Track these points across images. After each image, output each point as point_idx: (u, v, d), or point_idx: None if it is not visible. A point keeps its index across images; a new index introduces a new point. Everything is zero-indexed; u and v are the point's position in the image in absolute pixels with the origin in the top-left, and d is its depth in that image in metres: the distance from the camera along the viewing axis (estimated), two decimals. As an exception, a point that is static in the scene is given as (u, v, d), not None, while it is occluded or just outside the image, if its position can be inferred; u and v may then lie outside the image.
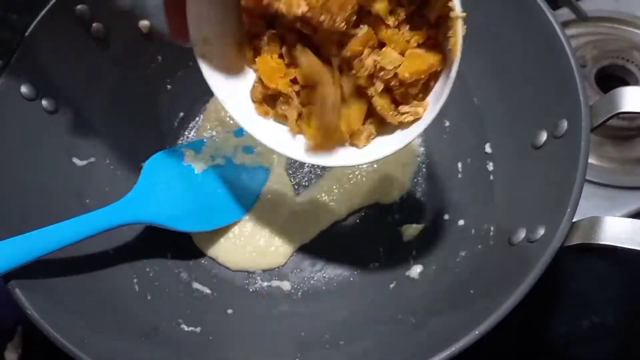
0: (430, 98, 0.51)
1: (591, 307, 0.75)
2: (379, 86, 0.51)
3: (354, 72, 0.51)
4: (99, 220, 0.62)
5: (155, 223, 0.67)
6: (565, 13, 0.93)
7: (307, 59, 0.52)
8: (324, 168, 0.79)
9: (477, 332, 0.50)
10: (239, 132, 0.77)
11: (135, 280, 0.67)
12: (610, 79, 0.88)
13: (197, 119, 0.83)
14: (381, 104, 0.52)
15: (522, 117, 0.65)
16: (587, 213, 0.55)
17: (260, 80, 0.56)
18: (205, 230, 0.73)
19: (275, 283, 0.74)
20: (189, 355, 0.62)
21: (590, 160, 0.82)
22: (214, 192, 0.73)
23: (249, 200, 0.76)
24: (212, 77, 0.55)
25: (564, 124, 0.58)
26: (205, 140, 0.76)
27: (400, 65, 0.49)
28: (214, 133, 0.80)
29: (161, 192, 0.69)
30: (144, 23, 0.77)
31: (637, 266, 0.77)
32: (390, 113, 0.52)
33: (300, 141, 0.56)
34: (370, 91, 0.51)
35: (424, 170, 0.78)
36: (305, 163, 0.77)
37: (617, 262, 0.77)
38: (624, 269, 0.77)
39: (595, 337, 0.74)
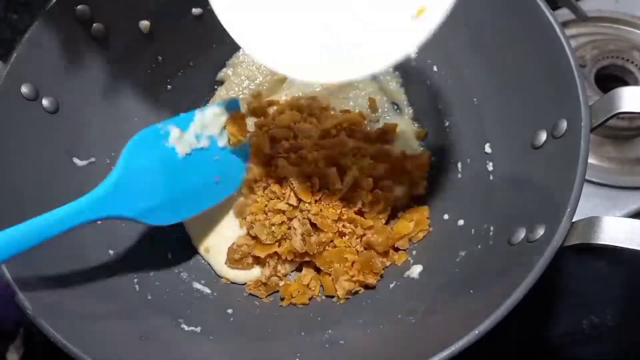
0: None
1: (591, 307, 0.76)
2: None
3: None
4: (70, 215, 0.57)
5: (129, 218, 0.63)
6: (565, 13, 0.93)
7: None
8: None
9: (477, 332, 0.50)
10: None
11: (135, 280, 0.67)
12: (610, 79, 0.88)
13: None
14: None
15: (521, 117, 0.65)
16: (587, 213, 0.55)
17: None
18: (182, 220, 0.71)
19: (275, 283, 0.73)
20: (189, 355, 0.62)
21: (590, 160, 0.82)
22: (194, 179, 0.70)
23: (231, 185, 0.74)
24: None
25: (564, 124, 0.58)
26: (195, 114, 0.70)
27: None
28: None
29: (139, 184, 0.64)
30: (144, 23, 0.77)
31: (637, 266, 0.77)
32: None
33: None
34: None
35: (424, 170, 0.78)
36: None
37: (617, 262, 0.78)
38: (624, 269, 0.78)
39: (595, 337, 0.74)
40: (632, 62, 0.89)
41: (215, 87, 0.85)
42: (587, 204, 0.79)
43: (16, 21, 0.90)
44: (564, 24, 0.95)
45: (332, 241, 0.69)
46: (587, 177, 0.78)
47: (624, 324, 0.75)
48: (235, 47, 0.84)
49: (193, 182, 0.70)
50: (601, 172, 0.83)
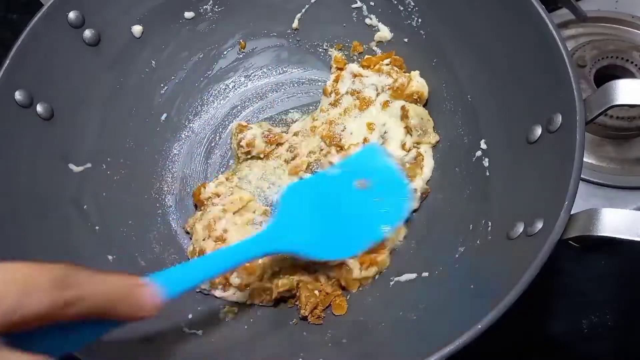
0: None
1: (591, 306, 0.78)
2: None
3: None
4: (243, 251, 0.61)
5: (296, 253, 0.67)
6: (564, 13, 0.96)
7: None
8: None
9: (479, 327, 0.51)
10: None
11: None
12: (610, 79, 0.90)
13: (192, 122, 0.88)
14: None
15: (516, 112, 0.67)
16: (587, 213, 0.58)
17: None
18: (345, 258, 0.72)
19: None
20: (191, 358, 0.64)
21: (590, 161, 0.86)
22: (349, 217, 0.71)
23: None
24: None
25: (559, 118, 0.59)
26: None
27: None
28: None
29: (300, 221, 0.68)
30: (136, 28, 0.80)
31: (637, 265, 0.80)
32: None
33: None
34: None
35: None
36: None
37: (617, 262, 0.80)
38: (624, 268, 0.80)
39: (595, 336, 0.76)
40: (632, 62, 0.91)
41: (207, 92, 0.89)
42: (587, 204, 0.80)
43: (16, 21, 0.93)
44: (564, 24, 0.99)
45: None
46: (586, 177, 0.80)
47: (624, 324, 0.77)
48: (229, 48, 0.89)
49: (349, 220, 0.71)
50: (601, 172, 0.85)
